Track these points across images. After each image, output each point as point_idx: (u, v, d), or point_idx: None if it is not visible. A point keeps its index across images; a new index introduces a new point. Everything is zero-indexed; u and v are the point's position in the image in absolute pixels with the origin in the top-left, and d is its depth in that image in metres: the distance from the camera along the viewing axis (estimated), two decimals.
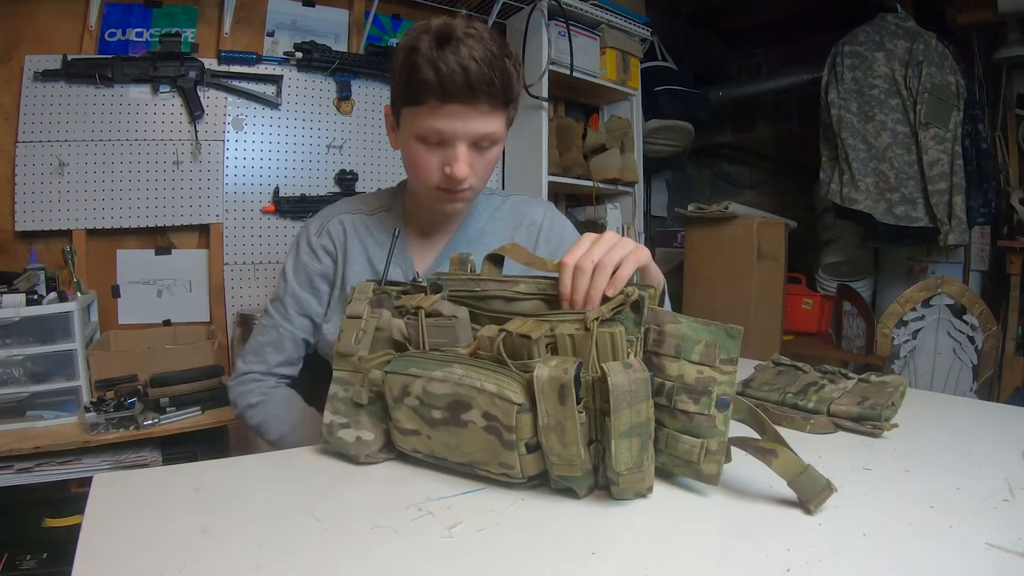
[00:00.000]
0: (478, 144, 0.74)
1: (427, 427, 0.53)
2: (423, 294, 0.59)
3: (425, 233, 0.88)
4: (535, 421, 0.48)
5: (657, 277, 0.65)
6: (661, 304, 0.68)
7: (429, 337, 0.55)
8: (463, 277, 0.59)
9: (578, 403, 0.47)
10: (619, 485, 0.49)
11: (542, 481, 0.52)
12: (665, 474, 0.55)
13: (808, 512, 0.48)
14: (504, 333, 0.51)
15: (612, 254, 0.56)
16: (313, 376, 0.89)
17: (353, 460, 0.58)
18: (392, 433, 0.56)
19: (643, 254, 0.58)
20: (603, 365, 0.48)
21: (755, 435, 0.54)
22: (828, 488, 0.48)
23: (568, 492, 0.52)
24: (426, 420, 0.53)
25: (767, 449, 0.51)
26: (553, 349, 0.51)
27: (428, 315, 0.55)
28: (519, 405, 0.48)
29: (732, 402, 0.50)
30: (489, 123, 0.72)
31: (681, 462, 0.51)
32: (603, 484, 0.52)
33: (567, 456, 0.48)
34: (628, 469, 0.48)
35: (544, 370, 0.47)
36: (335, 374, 0.58)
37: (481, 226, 0.88)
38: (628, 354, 0.50)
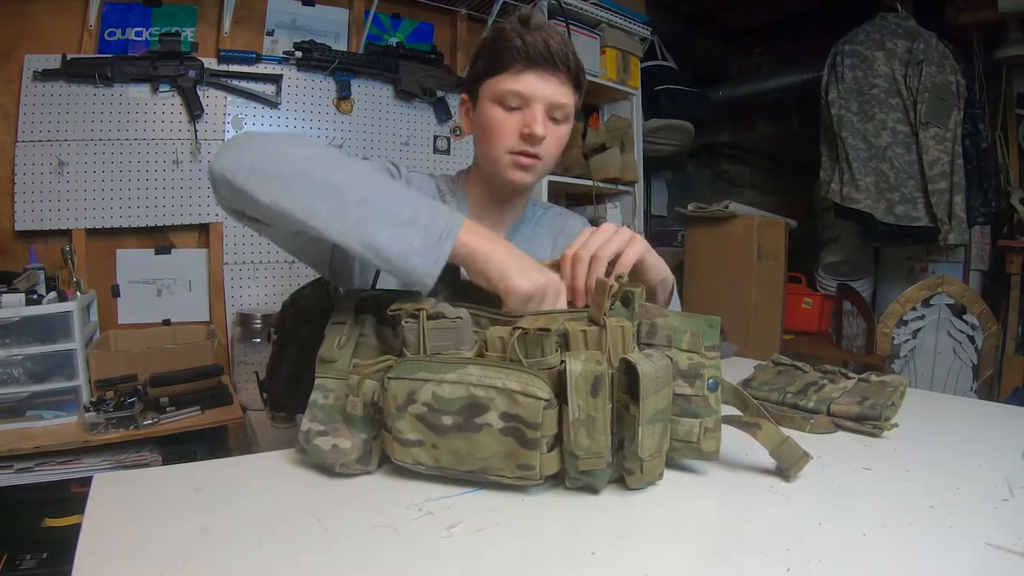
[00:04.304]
0: (552, 113, 0.78)
1: (434, 435, 0.50)
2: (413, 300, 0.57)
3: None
4: (559, 417, 0.49)
5: (661, 271, 0.67)
6: (669, 302, 0.70)
7: (431, 341, 0.53)
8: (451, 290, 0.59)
9: None
10: (640, 473, 0.51)
11: (557, 482, 0.52)
12: (667, 475, 0.55)
13: (787, 479, 0.54)
14: (520, 330, 0.50)
15: (609, 245, 0.60)
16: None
17: (328, 470, 0.55)
18: (389, 446, 0.53)
19: (640, 243, 0.62)
20: (627, 357, 0.49)
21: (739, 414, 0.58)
22: (805, 456, 0.54)
23: (569, 492, 0.52)
24: (434, 428, 0.50)
25: (751, 423, 0.56)
26: (563, 346, 0.51)
27: (430, 317, 0.53)
28: (546, 401, 0.48)
29: (720, 383, 0.54)
30: (564, 94, 0.78)
31: (682, 444, 0.54)
32: (614, 477, 0.53)
33: (595, 449, 0.48)
34: (651, 455, 0.50)
35: (577, 364, 0.48)
36: (317, 381, 0.56)
37: (530, 231, 0.90)
38: (633, 347, 0.52)
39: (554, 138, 0.79)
